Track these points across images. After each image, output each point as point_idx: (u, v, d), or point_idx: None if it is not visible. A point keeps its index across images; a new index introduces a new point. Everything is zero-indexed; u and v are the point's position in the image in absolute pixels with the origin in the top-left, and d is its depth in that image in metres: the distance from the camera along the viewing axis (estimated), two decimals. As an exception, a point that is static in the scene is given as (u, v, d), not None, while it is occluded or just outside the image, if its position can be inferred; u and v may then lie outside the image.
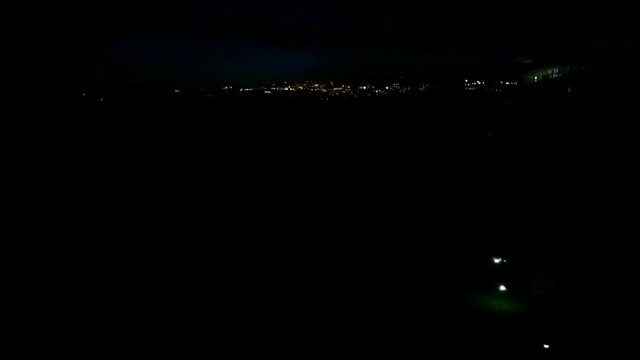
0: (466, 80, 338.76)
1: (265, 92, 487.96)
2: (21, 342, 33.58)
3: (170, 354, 33.50)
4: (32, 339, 33.99)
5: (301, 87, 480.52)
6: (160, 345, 34.20)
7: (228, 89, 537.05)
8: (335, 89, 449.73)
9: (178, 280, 46.03)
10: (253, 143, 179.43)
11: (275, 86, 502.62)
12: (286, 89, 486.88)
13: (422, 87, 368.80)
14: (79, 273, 47.40)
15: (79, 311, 38.60)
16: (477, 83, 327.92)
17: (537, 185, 48.84)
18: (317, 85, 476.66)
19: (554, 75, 52.39)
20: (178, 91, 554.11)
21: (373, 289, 44.23)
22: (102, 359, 32.76)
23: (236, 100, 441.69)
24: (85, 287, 43.91)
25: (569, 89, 46.46)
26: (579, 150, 40.71)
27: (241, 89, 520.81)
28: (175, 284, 45.27)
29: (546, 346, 31.37)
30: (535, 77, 59.79)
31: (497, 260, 48.52)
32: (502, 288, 41.70)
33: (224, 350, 34.11)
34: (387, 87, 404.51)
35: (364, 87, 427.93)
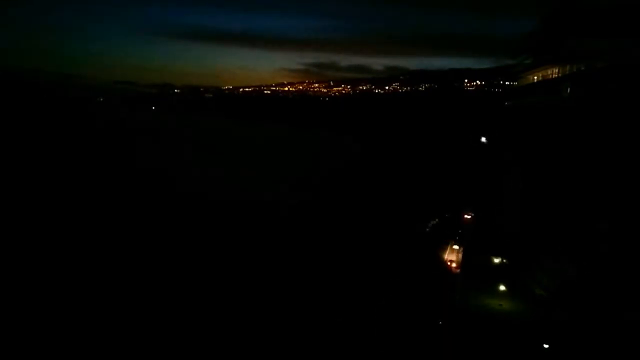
0: (466, 80, 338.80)
1: (265, 92, 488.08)
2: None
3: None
4: None
5: (301, 87, 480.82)
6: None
7: (228, 89, 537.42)
8: (335, 89, 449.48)
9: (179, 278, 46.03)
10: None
11: (275, 86, 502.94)
12: (286, 88, 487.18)
13: (421, 87, 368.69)
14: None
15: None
16: (477, 83, 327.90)
17: (537, 185, 48.78)
18: (317, 85, 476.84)
19: (554, 75, 52.25)
20: (178, 90, 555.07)
21: (373, 288, 44.24)
22: None
23: (237, 100, 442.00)
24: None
25: (569, 89, 46.34)
26: (578, 151, 40.66)
27: (241, 89, 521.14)
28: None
29: (546, 346, 31.34)
30: (535, 77, 59.64)
31: (497, 260, 48.52)
32: (502, 288, 41.67)
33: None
34: (387, 87, 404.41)
35: (364, 87, 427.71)
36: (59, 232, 58.43)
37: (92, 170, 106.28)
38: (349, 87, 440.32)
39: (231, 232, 64.58)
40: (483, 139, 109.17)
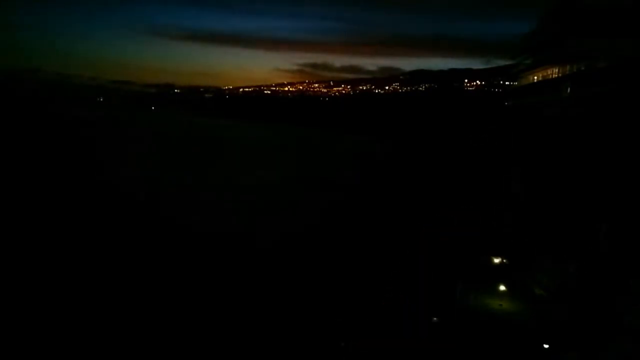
0: (466, 80, 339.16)
1: (265, 92, 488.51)
2: None
3: None
4: None
5: (301, 87, 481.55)
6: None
7: (228, 88, 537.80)
8: (335, 89, 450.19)
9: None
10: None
11: (275, 86, 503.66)
12: (286, 88, 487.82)
13: (421, 87, 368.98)
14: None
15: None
16: (477, 83, 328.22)
17: (537, 185, 48.80)
18: (317, 85, 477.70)
19: (554, 75, 52.26)
20: (178, 90, 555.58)
21: (373, 288, 44.20)
22: None
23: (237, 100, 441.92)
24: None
25: (569, 89, 46.35)
26: (578, 150, 40.66)
27: (241, 89, 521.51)
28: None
29: (546, 346, 31.33)
30: (535, 77, 59.67)
31: (497, 260, 48.48)
32: (502, 288, 41.65)
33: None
34: (387, 87, 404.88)
35: (364, 87, 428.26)
36: (57, 233, 58.42)
37: (85, 173, 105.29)
38: (349, 87, 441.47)
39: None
40: (483, 139, 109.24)
